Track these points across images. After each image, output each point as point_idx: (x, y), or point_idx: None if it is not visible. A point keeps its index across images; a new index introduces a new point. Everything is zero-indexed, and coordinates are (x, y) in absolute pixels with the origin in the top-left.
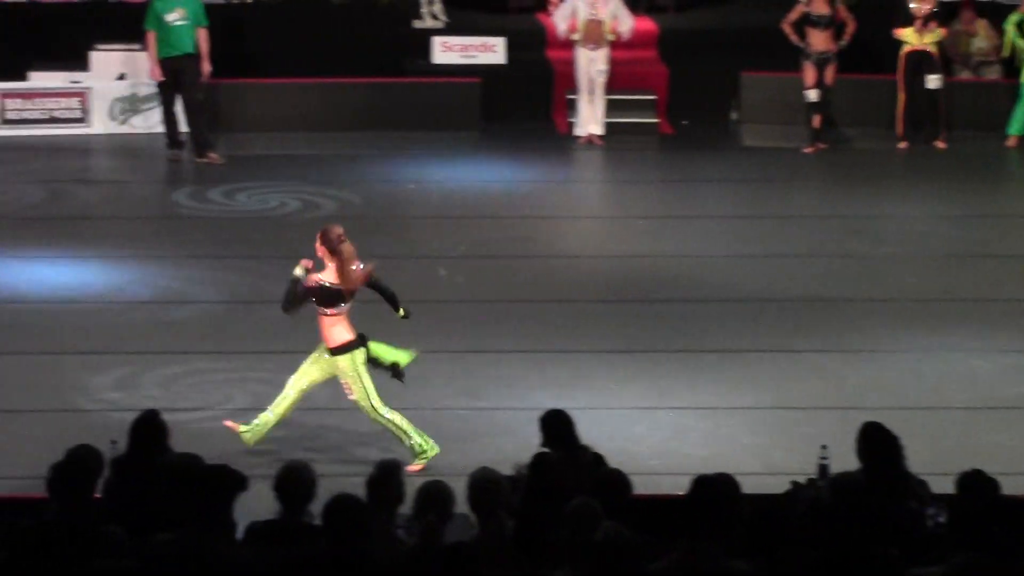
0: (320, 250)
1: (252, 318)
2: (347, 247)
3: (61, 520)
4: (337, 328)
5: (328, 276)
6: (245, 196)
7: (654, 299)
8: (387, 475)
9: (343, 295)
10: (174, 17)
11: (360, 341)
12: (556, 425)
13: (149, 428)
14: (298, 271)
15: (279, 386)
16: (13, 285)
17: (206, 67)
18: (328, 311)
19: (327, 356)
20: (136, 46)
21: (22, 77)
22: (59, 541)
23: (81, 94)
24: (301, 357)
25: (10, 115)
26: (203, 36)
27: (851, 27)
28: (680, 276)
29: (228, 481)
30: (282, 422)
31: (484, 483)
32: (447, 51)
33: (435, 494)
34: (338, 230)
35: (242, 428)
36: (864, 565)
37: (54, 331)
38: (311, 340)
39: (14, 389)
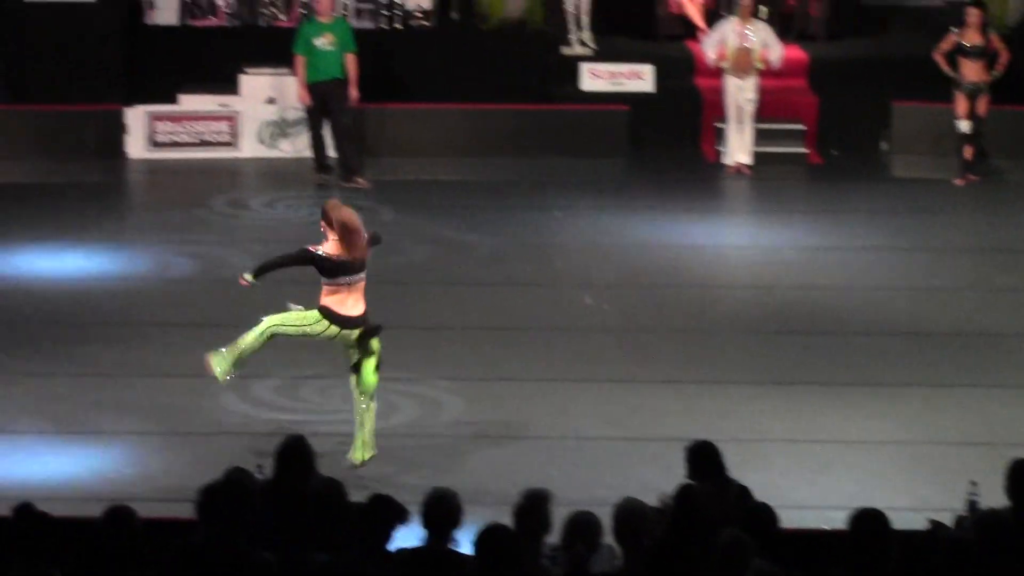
0: (322, 226)
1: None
2: (344, 213)
3: (211, 544)
4: (330, 299)
5: (328, 248)
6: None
7: (802, 331)
8: (535, 504)
9: (342, 267)
10: (323, 42)
11: (349, 322)
12: (703, 457)
13: (296, 453)
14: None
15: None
16: None
17: (354, 92)
18: (326, 281)
19: None
20: (285, 70)
21: (173, 100)
22: (209, 564)
23: (231, 117)
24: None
25: (160, 138)
26: (351, 61)
27: (1004, 57)
28: (828, 308)
29: (390, 512)
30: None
31: (629, 514)
32: (595, 78)
33: (583, 524)
34: (333, 202)
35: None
36: None
37: None
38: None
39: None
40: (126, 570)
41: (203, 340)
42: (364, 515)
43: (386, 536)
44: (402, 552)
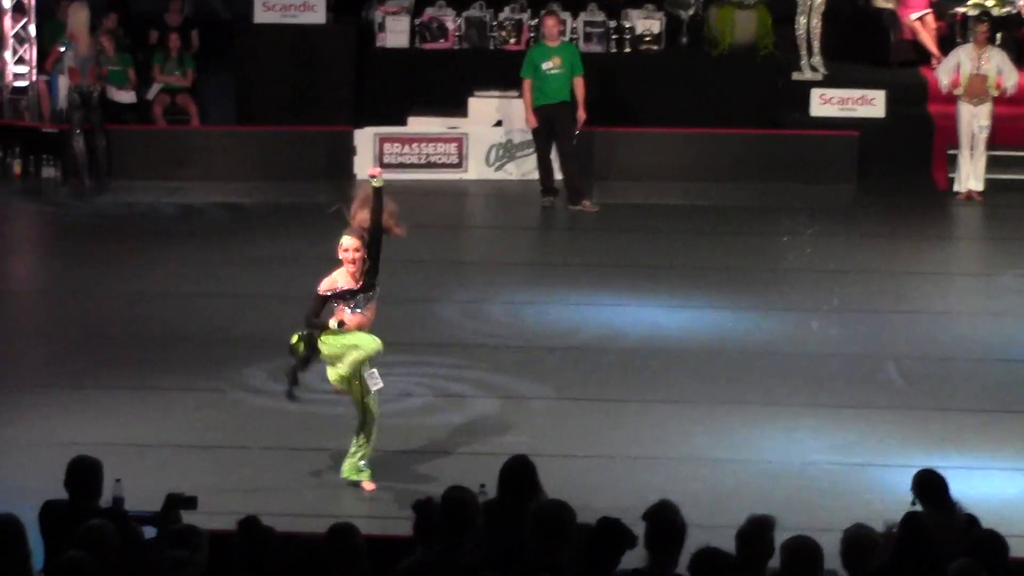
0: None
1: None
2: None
3: (434, 563)
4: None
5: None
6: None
7: None
8: (760, 530)
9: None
10: (550, 66)
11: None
12: (930, 484)
13: (520, 473)
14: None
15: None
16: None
17: (582, 114)
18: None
19: None
20: (513, 93)
21: (402, 122)
22: None
23: (458, 139)
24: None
25: (388, 159)
26: (579, 84)
27: None
28: None
29: (618, 536)
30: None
31: (857, 540)
32: (825, 103)
33: (804, 551)
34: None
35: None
36: None
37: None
38: None
39: None
40: None
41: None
42: (591, 538)
43: (613, 561)
44: (624, 574)
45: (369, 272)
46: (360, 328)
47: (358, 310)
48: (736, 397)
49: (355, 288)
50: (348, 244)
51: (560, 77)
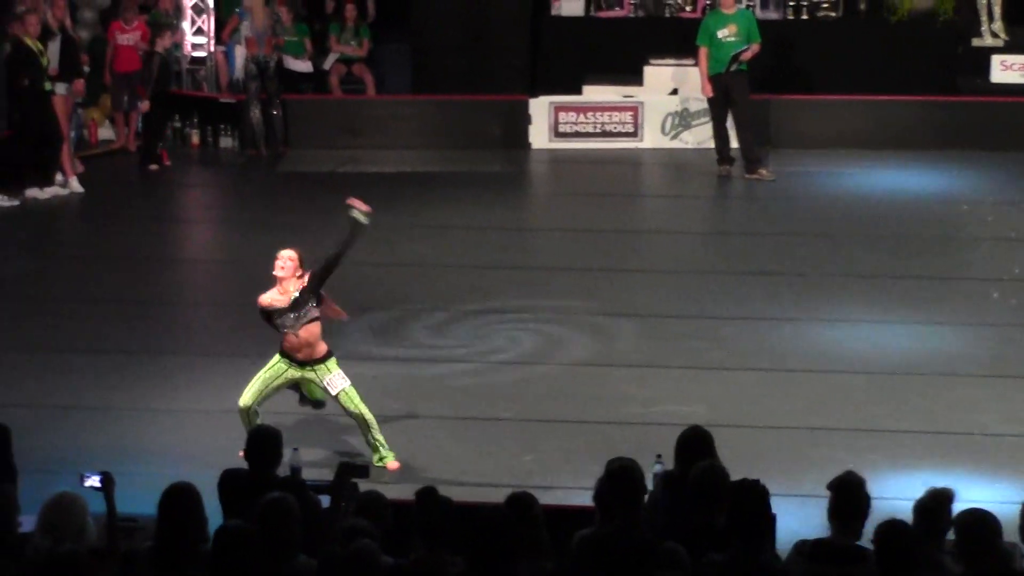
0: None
1: None
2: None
3: (614, 534)
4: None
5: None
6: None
7: None
8: (939, 503)
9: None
10: (726, 33)
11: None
12: None
13: (695, 444)
14: None
15: None
16: None
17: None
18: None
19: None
20: (689, 61)
21: (577, 91)
22: (612, 555)
23: (634, 108)
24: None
25: (563, 128)
26: (753, 51)
27: None
28: None
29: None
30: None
31: None
32: (1006, 70)
33: (982, 523)
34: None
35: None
36: None
37: None
38: None
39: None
40: (526, 557)
41: (589, 327)
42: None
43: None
44: (803, 544)
45: (303, 291)
46: (294, 350)
47: (288, 330)
48: (914, 368)
49: (284, 307)
50: (283, 254)
51: (736, 45)
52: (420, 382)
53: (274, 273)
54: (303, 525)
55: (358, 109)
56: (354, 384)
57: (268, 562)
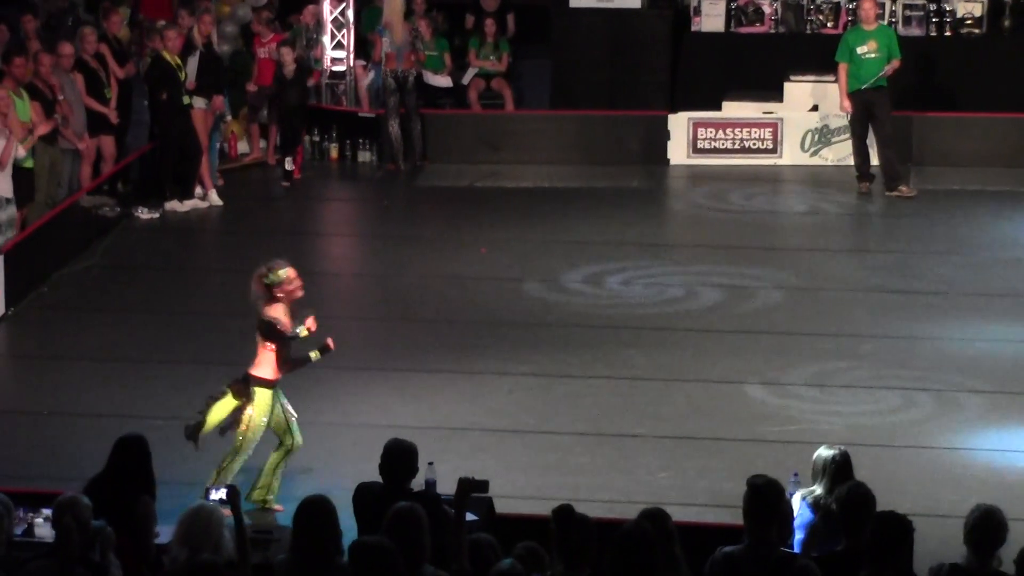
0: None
1: None
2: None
3: (748, 550)
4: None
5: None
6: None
7: None
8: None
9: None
10: (865, 49)
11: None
12: None
13: (839, 464)
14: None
15: None
16: None
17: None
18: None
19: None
20: (829, 77)
21: (716, 107)
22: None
23: (773, 124)
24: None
25: (701, 144)
26: (894, 65)
27: None
28: None
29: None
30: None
31: None
32: None
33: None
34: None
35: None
36: None
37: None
38: None
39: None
40: (662, 572)
41: (726, 345)
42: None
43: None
44: (941, 569)
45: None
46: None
47: (288, 362)
48: (896, 381)
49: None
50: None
51: (877, 61)
52: (555, 396)
53: (298, 294)
54: (432, 536)
55: (497, 124)
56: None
57: (402, 573)
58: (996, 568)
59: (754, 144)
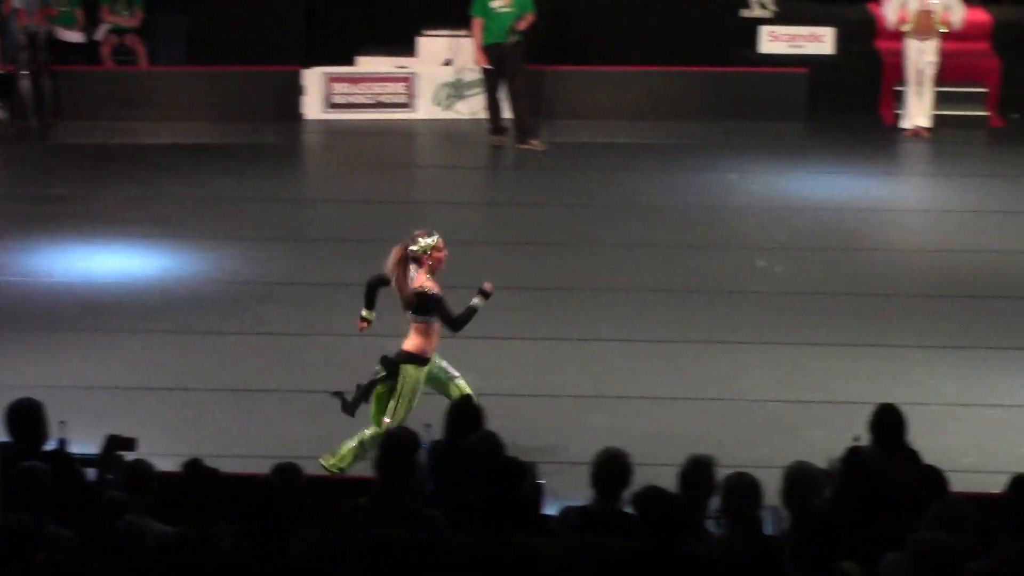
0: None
1: None
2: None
3: (377, 501)
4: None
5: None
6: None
7: (976, 295)
8: (700, 469)
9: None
10: (499, 4)
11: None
12: (887, 420)
13: (465, 413)
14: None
15: None
16: None
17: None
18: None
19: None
20: (462, 32)
21: (350, 62)
22: (380, 521)
23: (407, 79)
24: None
25: (336, 99)
26: (527, 21)
27: None
28: (1004, 272)
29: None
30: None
31: (799, 476)
32: (774, 41)
33: (745, 487)
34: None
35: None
36: None
37: None
38: None
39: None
40: (293, 527)
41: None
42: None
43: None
44: (570, 510)
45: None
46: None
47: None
48: (681, 335)
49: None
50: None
51: (510, 15)
52: (190, 353)
53: (441, 256)
54: (66, 496)
55: (131, 80)
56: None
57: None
58: (621, 509)
59: (388, 99)
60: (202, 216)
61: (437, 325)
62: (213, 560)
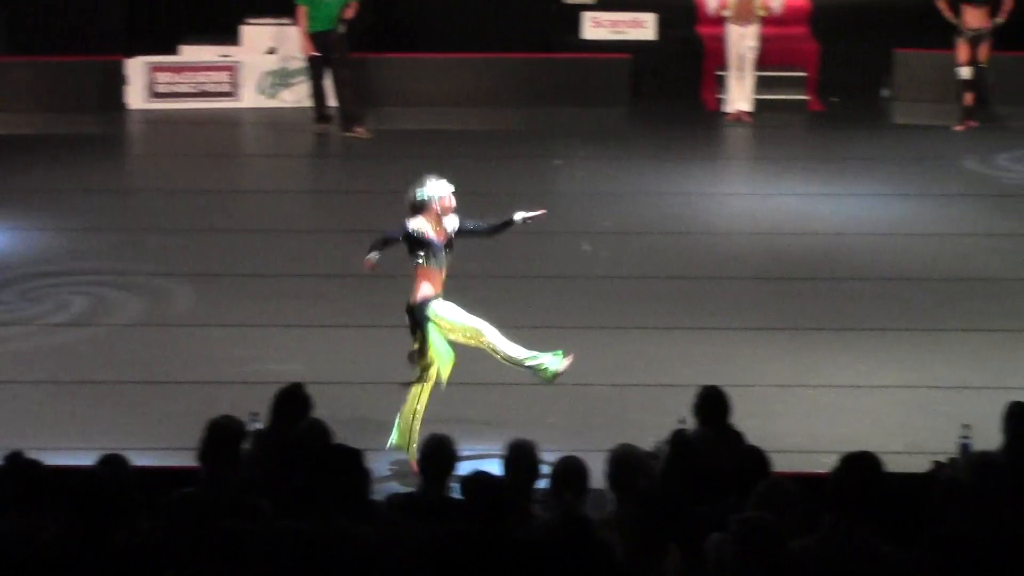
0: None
1: None
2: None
3: (204, 491)
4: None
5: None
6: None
7: (799, 276)
8: (522, 454)
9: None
10: None
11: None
12: (712, 402)
13: (292, 401)
14: None
15: None
16: None
17: (350, 12)
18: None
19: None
20: (287, 20)
21: (173, 51)
22: (202, 511)
23: (231, 68)
24: None
25: (160, 88)
26: (352, 10)
27: (1008, 4)
28: (826, 254)
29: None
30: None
31: (624, 459)
32: (597, 27)
33: (571, 470)
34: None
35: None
36: (1004, 547)
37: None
38: None
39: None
40: (119, 518)
41: (202, 289)
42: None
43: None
44: (395, 497)
45: (456, 233)
46: (437, 289)
47: (438, 266)
48: (507, 320)
49: (441, 242)
50: (450, 188)
51: (335, 4)
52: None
53: (446, 205)
54: None
55: None
56: None
57: None
58: (447, 495)
59: (212, 88)
60: (28, 207)
61: (432, 267)
62: (35, 553)
